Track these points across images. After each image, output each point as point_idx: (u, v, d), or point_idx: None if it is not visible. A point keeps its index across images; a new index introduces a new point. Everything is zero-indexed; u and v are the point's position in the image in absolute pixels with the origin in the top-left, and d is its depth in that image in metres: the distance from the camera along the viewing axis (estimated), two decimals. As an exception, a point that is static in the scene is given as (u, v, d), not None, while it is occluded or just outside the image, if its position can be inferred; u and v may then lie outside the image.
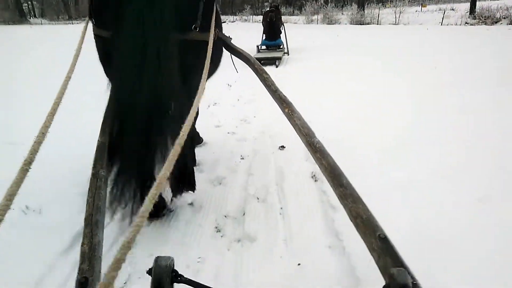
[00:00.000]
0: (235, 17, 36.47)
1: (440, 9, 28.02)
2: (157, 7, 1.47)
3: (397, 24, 22.43)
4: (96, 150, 1.39)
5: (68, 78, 1.31)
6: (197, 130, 3.13)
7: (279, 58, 8.62)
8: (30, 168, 0.85)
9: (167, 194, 2.19)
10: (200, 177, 2.61)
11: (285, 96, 1.66)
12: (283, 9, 28.60)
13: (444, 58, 8.11)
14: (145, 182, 1.55)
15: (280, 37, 9.67)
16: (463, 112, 4.10)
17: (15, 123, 3.80)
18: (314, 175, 2.57)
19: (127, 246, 0.65)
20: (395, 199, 2.23)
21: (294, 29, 15.81)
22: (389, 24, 22.77)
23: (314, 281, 1.60)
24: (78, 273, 0.88)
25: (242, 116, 4.46)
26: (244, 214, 2.14)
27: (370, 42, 12.35)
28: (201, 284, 0.92)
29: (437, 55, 8.50)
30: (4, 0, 39.86)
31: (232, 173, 2.71)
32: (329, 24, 25.87)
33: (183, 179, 2.00)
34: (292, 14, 36.79)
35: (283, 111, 1.57)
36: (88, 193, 1.16)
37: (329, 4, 29.03)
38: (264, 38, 9.77)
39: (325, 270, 1.67)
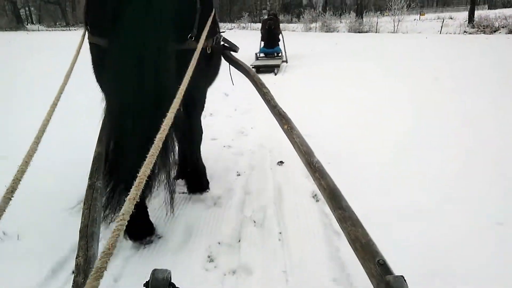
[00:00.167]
0: (233, 24, 36.51)
1: (438, 18, 28.14)
2: (154, 17, 1.45)
3: (396, 32, 22.46)
4: (93, 161, 1.37)
5: (60, 92, 1.28)
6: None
7: (278, 66, 8.60)
8: (12, 197, 0.82)
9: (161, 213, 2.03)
10: (193, 197, 2.45)
11: (284, 112, 1.63)
12: (281, 17, 28.61)
13: (444, 65, 8.04)
14: (143, 192, 1.49)
15: (278, 45, 9.70)
16: (465, 118, 4.12)
17: (7, 135, 3.62)
18: (315, 195, 2.39)
19: (108, 253, 0.63)
20: (398, 220, 2.08)
21: (292, 37, 15.76)
22: (388, 32, 22.82)
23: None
24: (72, 286, 0.88)
25: (239, 127, 4.30)
26: (239, 240, 1.96)
27: (369, 49, 12.34)
28: None
29: (437, 63, 8.39)
30: (1, 6, 39.81)
31: (228, 191, 2.53)
32: (327, 32, 25.93)
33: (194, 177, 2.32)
34: (291, 22, 36.96)
35: (282, 128, 1.54)
36: (84, 204, 1.15)
37: (327, 12, 29.12)
38: (262, 45, 9.79)
39: (329, 309, 1.49)
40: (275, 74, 8.21)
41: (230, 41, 2.36)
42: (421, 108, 4.63)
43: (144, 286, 0.84)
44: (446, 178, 2.66)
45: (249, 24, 36.21)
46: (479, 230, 2.00)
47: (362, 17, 27.11)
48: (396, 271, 0.81)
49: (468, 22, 20.76)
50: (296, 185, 2.57)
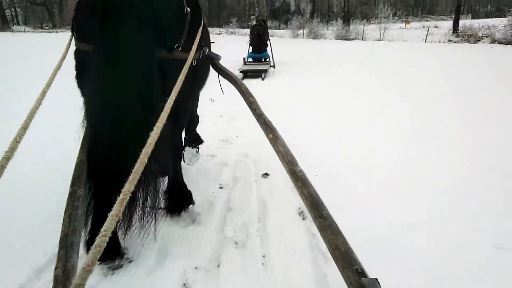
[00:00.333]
0: (221, 29, 36.39)
1: (423, 27, 28.61)
2: (140, 26, 1.43)
3: (382, 40, 22.67)
4: (75, 168, 1.35)
5: (37, 104, 1.21)
6: None
7: (265, 71, 8.66)
8: None
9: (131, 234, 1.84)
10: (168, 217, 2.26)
11: (270, 121, 1.66)
12: (269, 23, 28.66)
13: (431, 72, 8.07)
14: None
15: (266, 50, 9.76)
16: (462, 124, 4.13)
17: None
18: (302, 212, 2.23)
19: (88, 270, 0.62)
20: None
21: (280, 43, 15.75)
22: (374, 40, 23.01)
23: None
24: None
25: (223, 135, 4.14)
26: (219, 265, 1.78)
27: (357, 56, 12.36)
28: None
29: (425, 71, 8.43)
30: (-14, 7, 38.84)
31: (209, 207, 2.35)
32: (314, 38, 26.03)
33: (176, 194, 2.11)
34: (278, 28, 37.07)
35: (267, 136, 1.56)
36: (65, 213, 1.12)
37: (315, 19, 29.30)
38: (250, 50, 9.84)
39: None
40: (263, 79, 8.27)
41: (212, 52, 2.38)
42: (414, 117, 4.60)
43: None
44: (442, 191, 2.55)
45: (238, 29, 36.13)
46: (477, 252, 1.87)
47: (349, 25, 27.35)
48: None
49: (453, 31, 21.11)
50: (281, 199, 2.41)
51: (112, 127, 1.45)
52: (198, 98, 2.90)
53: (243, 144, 3.78)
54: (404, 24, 34.64)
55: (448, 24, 26.00)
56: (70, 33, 1.72)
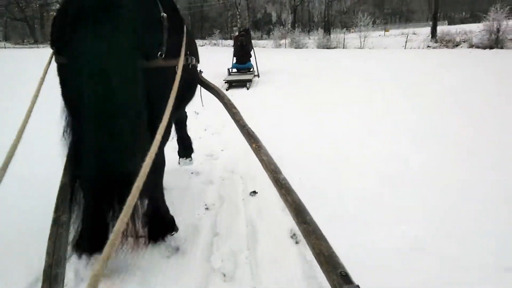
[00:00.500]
0: (204, 41, 36.32)
1: (402, 33, 29.23)
2: (110, 35, 1.39)
3: (363, 48, 23.00)
4: (58, 192, 1.31)
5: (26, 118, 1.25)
6: None
7: (250, 80, 8.79)
8: None
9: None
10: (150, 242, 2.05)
11: (253, 132, 1.69)
12: (252, 34, 28.78)
13: (408, 77, 8.12)
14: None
15: (250, 60, 9.81)
16: (458, 132, 4.06)
17: None
18: (294, 234, 2.06)
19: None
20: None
21: (263, 53, 15.70)
22: (355, 48, 23.32)
23: None
24: None
25: (208, 150, 3.96)
26: (205, 303, 1.59)
27: (338, 64, 12.46)
28: None
29: (408, 77, 8.48)
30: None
31: (194, 232, 2.15)
32: (296, 48, 26.22)
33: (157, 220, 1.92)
34: (261, 38, 37.26)
35: (251, 146, 1.58)
36: (48, 240, 1.09)
37: (296, 29, 29.59)
38: (234, 61, 9.86)
39: None
40: (248, 89, 8.39)
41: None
42: (405, 126, 4.54)
43: None
44: (442, 208, 2.41)
45: (221, 40, 36.17)
46: (485, 275, 1.73)
47: (329, 34, 27.71)
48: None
49: (432, 37, 21.60)
50: (271, 220, 2.24)
51: (92, 148, 1.40)
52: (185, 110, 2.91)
53: (228, 159, 3.62)
54: (383, 31, 35.34)
55: (426, 30, 26.62)
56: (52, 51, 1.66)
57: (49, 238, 1.10)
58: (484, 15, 17.47)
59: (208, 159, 3.68)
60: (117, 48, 1.40)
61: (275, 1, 38.39)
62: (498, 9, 16.77)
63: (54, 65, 1.62)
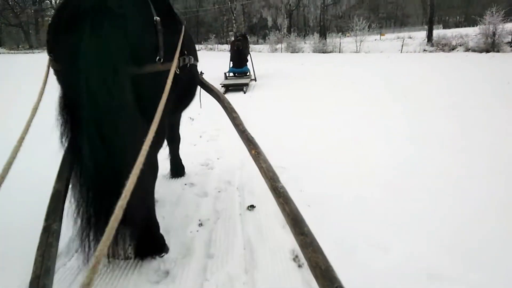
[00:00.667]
0: (200, 46, 36.20)
1: (398, 38, 29.23)
2: (104, 44, 1.36)
3: (359, 52, 22.96)
4: (50, 200, 1.26)
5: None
6: None
7: (246, 85, 8.76)
8: None
9: None
10: (138, 265, 1.86)
11: (252, 138, 1.66)
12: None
13: (412, 81, 8.01)
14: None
15: (246, 65, 9.84)
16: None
17: None
18: (297, 256, 1.87)
19: None
20: None
21: (259, 58, 15.60)
22: (351, 52, 23.28)
23: None
24: None
25: (203, 158, 3.77)
26: None
27: (334, 69, 12.39)
28: None
29: (405, 81, 8.37)
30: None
31: (186, 253, 1.96)
32: (292, 52, 26.17)
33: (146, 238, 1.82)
34: (257, 43, 37.22)
35: (250, 153, 1.56)
36: (37, 250, 1.04)
37: (292, 34, 29.52)
38: (231, 65, 9.91)
39: None
40: (244, 93, 8.38)
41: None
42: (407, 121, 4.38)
43: None
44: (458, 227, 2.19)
45: (217, 45, 36.07)
46: None
47: (325, 38, 27.68)
48: None
49: (428, 41, 21.58)
50: (271, 240, 2.04)
51: (86, 155, 1.37)
52: (180, 117, 2.89)
53: (224, 169, 3.43)
54: (379, 36, 35.39)
55: (421, 34, 26.65)
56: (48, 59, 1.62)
57: (38, 247, 1.04)
58: (480, 19, 17.47)
59: (202, 169, 3.49)
60: (108, 55, 1.36)
61: (271, 6, 38.28)
62: (494, 12, 16.77)
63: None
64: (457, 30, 21.70)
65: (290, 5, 37.64)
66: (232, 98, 2.28)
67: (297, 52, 26.00)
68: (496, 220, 2.24)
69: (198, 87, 2.44)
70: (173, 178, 3.23)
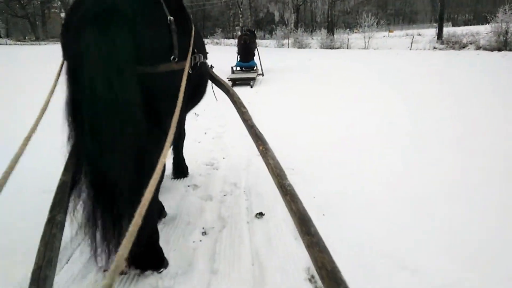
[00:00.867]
0: (206, 40, 35.91)
1: (407, 35, 28.78)
2: (115, 44, 1.32)
3: (367, 48, 22.58)
4: (56, 191, 1.25)
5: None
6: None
7: (253, 79, 8.75)
8: None
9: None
10: (134, 280, 1.66)
11: (260, 133, 1.64)
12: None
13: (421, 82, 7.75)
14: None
15: (253, 59, 9.83)
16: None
17: None
18: (313, 277, 1.66)
19: None
20: None
21: (266, 53, 15.39)
22: (359, 48, 22.90)
23: None
24: None
25: (208, 157, 3.58)
26: None
27: (343, 65, 12.11)
28: None
29: (416, 83, 8.11)
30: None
31: (187, 268, 1.76)
32: (299, 48, 25.83)
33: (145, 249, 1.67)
34: (263, 38, 36.88)
35: (258, 148, 1.54)
36: (41, 241, 1.03)
37: (299, 29, 29.15)
38: (238, 59, 9.91)
39: None
40: (251, 87, 8.34)
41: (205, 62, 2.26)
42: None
43: None
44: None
45: (223, 40, 35.76)
46: None
47: (333, 34, 27.27)
48: None
49: (438, 38, 21.15)
50: (283, 254, 1.83)
51: (94, 153, 1.34)
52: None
53: (230, 169, 3.23)
54: (387, 32, 34.90)
55: (430, 32, 26.17)
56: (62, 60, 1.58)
57: (42, 238, 1.04)
58: (492, 16, 17.03)
59: (207, 169, 3.29)
60: (120, 55, 1.34)
61: (278, 1, 37.85)
62: (507, 10, 16.33)
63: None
64: (468, 28, 21.19)
65: (297, -1, 37.18)
66: (239, 92, 2.17)
67: (304, 48, 25.66)
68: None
69: (208, 84, 2.39)
70: (176, 179, 3.04)
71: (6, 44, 34.38)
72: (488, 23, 18.38)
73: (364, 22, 24.65)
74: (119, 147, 1.35)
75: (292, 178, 1.25)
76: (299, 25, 34.18)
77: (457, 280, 1.66)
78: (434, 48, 19.69)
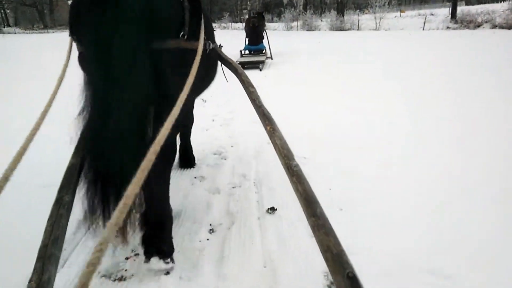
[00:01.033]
0: (214, 24, 35.35)
1: (419, 14, 27.87)
2: (128, 19, 1.32)
3: (378, 29, 21.93)
4: (66, 172, 1.28)
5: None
6: None
7: (262, 62, 8.66)
8: None
9: None
10: (140, 277, 1.52)
11: (268, 113, 1.60)
12: (261, 16, 27.64)
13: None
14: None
15: (262, 42, 9.69)
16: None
17: None
18: (332, 283, 1.48)
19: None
20: None
21: (274, 36, 15.01)
22: (370, 29, 22.26)
23: None
24: None
25: (216, 146, 3.42)
26: None
27: (353, 47, 11.78)
28: None
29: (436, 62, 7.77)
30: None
31: (191, 274, 1.59)
32: (308, 30, 25.25)
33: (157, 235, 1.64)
34: (271, 21, 36.15)
35: (265, 128, 1.50)
36: (48, 220, 1.04)
37: (308, 11, 28.43)
38: (247, 43, 9.84)
39: None
40: (260, 70, 8.21)
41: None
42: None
43: None
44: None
45: (230, 24, 35.21)
46: None
47: (343, 15, 26.57)
48: None
49: (451, 18, 20.40)
50: (299, 256, 1.66)
51: (104, 132, 1.33)
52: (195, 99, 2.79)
53: (239, 158, 3.07)
54: (399, 12, 33.87)
55: (443, 11, 25.26)
56: (69, 36, 1.61)
57: (49, 218, 1.05)
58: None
59: (215, 159, 3.12)
60: (133, 27, 1.33)
61: (286, -18, 36.98)
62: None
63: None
64: (483, 6, 20.31)
65: (306, -19, 36.17)
66: (248, 74, 2.12)
67: (313, 30, 25.07)
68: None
69: (218, 66, 2.36)
70: (182, 170, 2.88)
71: (15, 33, 34.50)
72: (504, 0, 17.60)
73: (375, 2, 23.93)
74: (128, 119, 1.34)
75: (304, 169, 1.10)
76: (308, 7, 33.38)
77: (457, 279, 1.54)
78: (448, 28, 19.01)
